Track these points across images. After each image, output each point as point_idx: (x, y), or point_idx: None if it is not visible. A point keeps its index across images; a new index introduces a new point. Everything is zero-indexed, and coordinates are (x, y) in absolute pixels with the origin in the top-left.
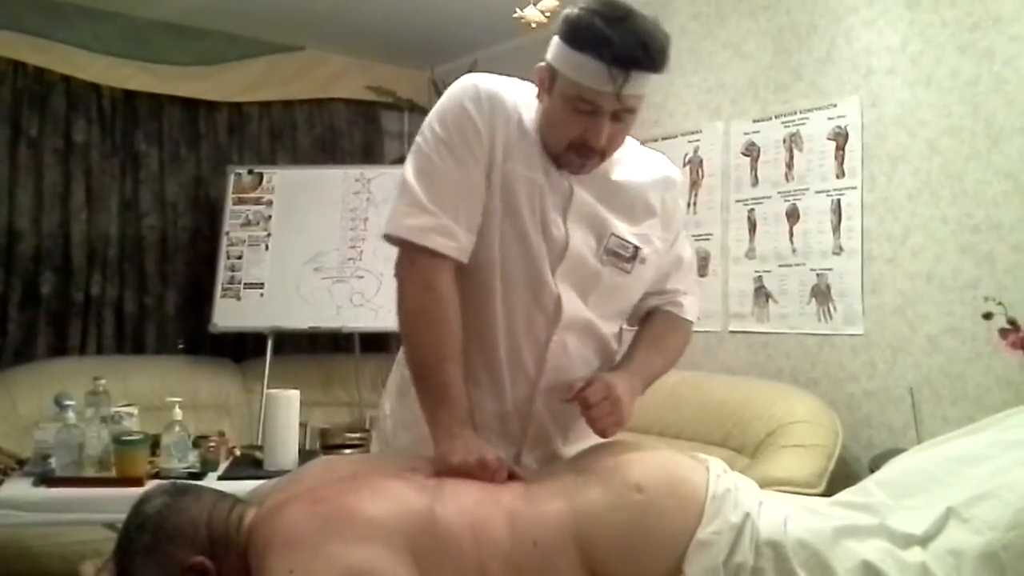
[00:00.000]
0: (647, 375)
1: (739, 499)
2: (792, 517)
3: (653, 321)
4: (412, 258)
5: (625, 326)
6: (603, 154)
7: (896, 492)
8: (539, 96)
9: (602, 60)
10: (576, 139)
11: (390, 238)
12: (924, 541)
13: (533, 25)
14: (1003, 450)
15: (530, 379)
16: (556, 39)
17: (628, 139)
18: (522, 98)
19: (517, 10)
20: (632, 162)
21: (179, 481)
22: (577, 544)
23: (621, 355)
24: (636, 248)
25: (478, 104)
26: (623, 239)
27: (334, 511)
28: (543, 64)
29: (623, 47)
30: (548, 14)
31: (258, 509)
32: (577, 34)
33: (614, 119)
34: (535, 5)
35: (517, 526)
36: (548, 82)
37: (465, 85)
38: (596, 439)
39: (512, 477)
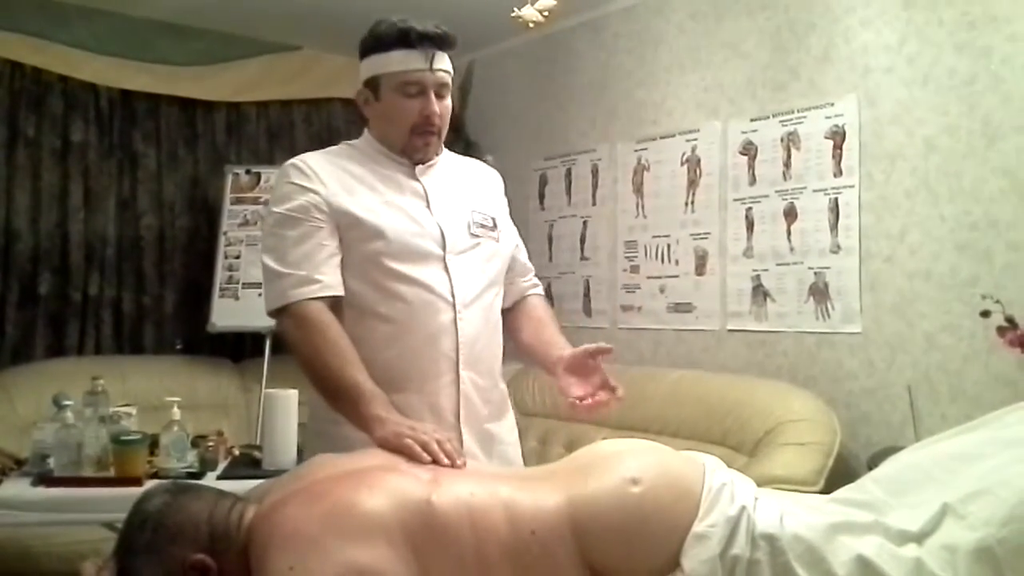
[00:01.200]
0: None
1: (735, 493)
2: (788, 512)
3: (536, 306)
4: (287, 315)
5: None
6: (439, 132)
7: (893, 489)
8: (368, 112)
9: (411, 46)
10: (417, 119)
11: (271, 315)
12: (920, 537)
13: (531, 24)
14: (1000, 448)
15: (451, 360)
16: (364, 61)
17: (448, 152)
18: (342, 152)
19: (515, 10)
20: (455, 163)
21: (179, 480)
22: (575, 535)
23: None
24: (493, 218)
25: (300, 174)
26: (482, 212)
27: (333, 507)
28: (360, 89)
29: (425, 32)
30: (546, 13)
31: (258, 507)
32: (382, 38)
33: (437, 96)
34: (532, 5)
35: (515, 516)
36: (372, 94)
37: (285, 168)
38: (510, 411)
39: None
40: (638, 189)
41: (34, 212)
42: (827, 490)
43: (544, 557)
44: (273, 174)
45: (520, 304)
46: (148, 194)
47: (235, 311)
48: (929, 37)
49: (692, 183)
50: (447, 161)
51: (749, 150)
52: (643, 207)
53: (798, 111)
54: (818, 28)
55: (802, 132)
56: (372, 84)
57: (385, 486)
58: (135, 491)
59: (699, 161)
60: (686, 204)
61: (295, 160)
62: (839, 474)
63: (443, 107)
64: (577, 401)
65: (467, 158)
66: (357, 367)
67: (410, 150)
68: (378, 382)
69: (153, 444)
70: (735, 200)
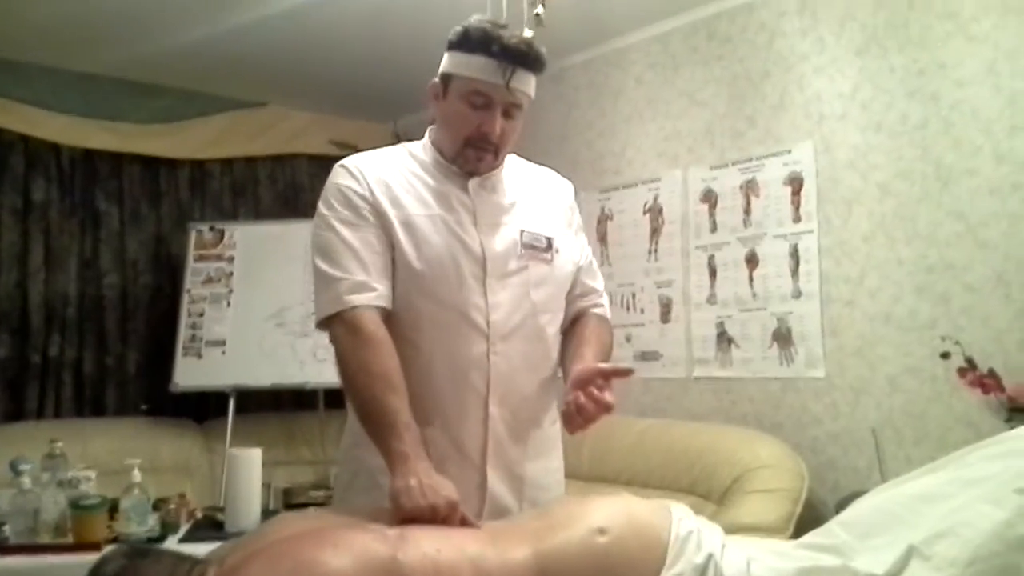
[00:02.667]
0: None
1: (702, 541)
2: (755, 559)
3: (586, 324)
4: (340, 321)
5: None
6: (496, 150)
7: (860, 532)
8: (434, 108)
9: (492, 56)
10: (472, 133)
11: (320, 325)
12: None
13: None
14: (961, 487)
15: (481, 396)
16: (451, 53)
17: (516, 158)
18: (396, 155)
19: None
20: (523, 172)
21: (137, 544)
22: None
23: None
24: (548, 239)
25: (352, 178)
26: (534, 232)
27: (295, 567)
28: (434, 80)
29: (509, 45)
30: None
31: (218, 568)
32: (468, 39)
33: (505, 115)
34: None
35: (482, 572)
36: (442, 90)
37: (336, 170)
38: (555, 453)
39: (464, 523)
40: (602, 238)
41: None
42: (796, 537)
43: None
44: (237, 231)
45: (573, 323)
46: (110, 252)
47: (199, 370)
48: (881, 84)
49: (655, 231)
50: (511, 172)
51: (710, 197)
52: (608, 256)
53: (756, 158)
54: (773, 76)
55: (760, 179)
56: (444, 80)
57: (349, 544)
58: (94, 557)
59: (661, 209)
60: (649, 252)
61: (346, 162)
62: (808, 520)
63: (508, 127)
64: (568, 414)
65: (539, 167)
66: (400, 395)
67: (461, 161)
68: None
69: (113, 508)
70: (697, 247)
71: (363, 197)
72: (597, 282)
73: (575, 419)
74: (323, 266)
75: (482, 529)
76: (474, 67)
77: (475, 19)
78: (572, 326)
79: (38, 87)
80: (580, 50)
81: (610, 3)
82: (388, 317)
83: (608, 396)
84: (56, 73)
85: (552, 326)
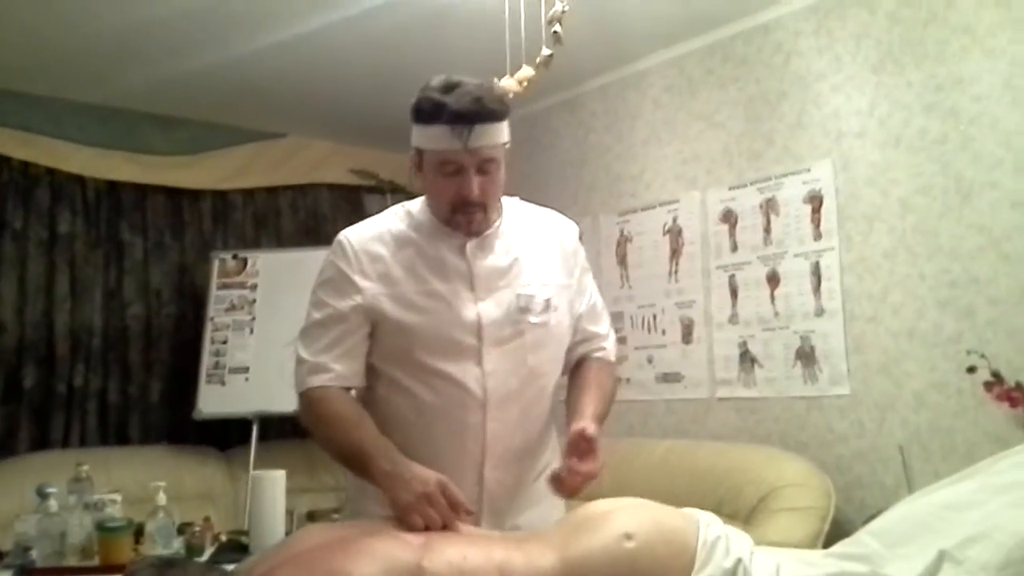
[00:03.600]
0: (598, 414)
1: (730, 546)
2: (784, 566)
3: (587, 368)
4: (303, 400)
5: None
6: (483, 207)
7: (889, 541)
8: (417, 178)
9: (445, 123)
10: (454, 199)
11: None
12: None
13: (510, 95)
14: (992, 495)
15: (476, 460)
16: (415, 126)
17: (518, 202)
18: (394, 223)
19: (494, 79)
20: (524, 221)
21: (165, 556)
22: None
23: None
24: (546, 300)
25: (344, 257)
26: (530, 295)
27: (322, 574)
28: (411, 153)
29: (458, 107)
30: (525, 83)
31: None
32: (421, 111)
33: (480, 172)
34: (512, 76)
35: None
36: (418, 162)
37: (334, 245)
38: (551, 498)
39: (454, 506)
40: (622, 260)
41: (20, 303)
42: None
43: None
44: (260, 259)
45: (575, 367)
46: (135, 283)
47: (222, 397)
48: (899, 100)
49: (675, 252)
50: (511, 223)
51: (729, 218)
52: (627, 278)
53: (775, 177)
54: (790, 96)
55: (780, 198)
56: (417, 153)
57: (375, 553)
58: None
59: (680, 231)
60: (670, 273)
61: (344, 239)
62: (836, 538)
63: (487, 182)
64: (559, 477)
65: (541, 210)
66: (363, 428)
67: (453, 225)
68: None
69: (138, 532)
70: (718, 267)
71: (346, 275)
72: (601, 326)
73: (563, 488)
74: (300, 346)
75: (507, 537)
76: (433, 138)
77: (433, 82)
78: (574, 370)
79: (63, 121)
80: (596, 75)
81: (626, 28)
82: (386, 390)
83: (591, 464)
84: (80, 107)
85: (550, 383)
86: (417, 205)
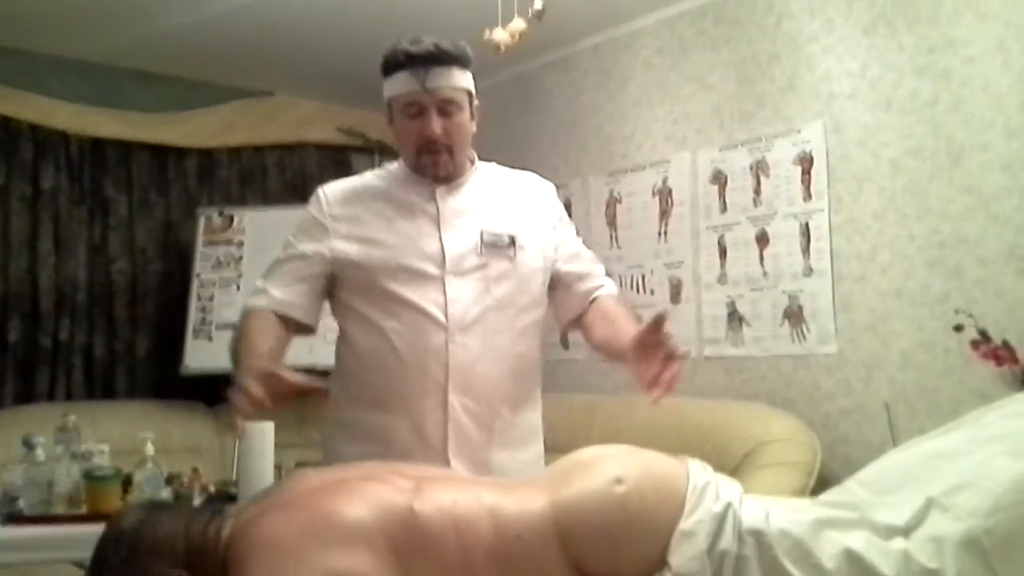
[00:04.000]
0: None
1: (720, 492)
2: (773, 512)
3: (605, 303)
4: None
5: (565, 325)
6: (448, 149)
7: (877, 489)
8: (391, 132)
9: (403, 68)
10: (418, 140)
11: None
12: (906, 531)
13: (502, 48)
14: (980, 444)
15: (440, 385)
16: (384, 81)
17: (495, 165)
18: (371, 178)
19: (486, 31)
20: (496, 178)
21: (154, 499)
22: (560, 537)
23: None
24: (511, 236)
25: (316, 203)
26: (495, 232)
27: (313, 516)
28: (385, 109)
29: (416, 51)
30: (516, 36)
31: (235, 521)
32: (387, 63)
33: (441, 114)
34: (504, 27)
35: (500, 521)
36: (389, 114)
37: (311, 198)
38: (530, 445)
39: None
40: (611, 221)
41: (3, 258)
42: None
43: (530, 560)
44: (246, 216)
45: (589, 307)
46: (120, 240)
47: (209, 352)
48: (890, 62)
49: (664, 213)
50: (483, 178)
51: (719, 178)
52: (617, 239)
53: (766, 139)
54: (782, 58)
55: (770, 159)
56: (388, 107)
57: (366, 495)
58: None
59: (670, 192)
60: (659, 234)
61: (320, 190)
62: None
63: (451, 124)
64: (647, 387)
65: (518, 172)
66: (253, 336)
67: (420, 169)
68: (368, 401)
69: (126, 482)
70: (707, 228)
71: (317, 220)
72: (593, 266)
73: (658, 386)
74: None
75: (497, 482)
76: (396, 84)
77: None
78: (589, 309)
79: (46, 76)
80: (588, 35)
81: None
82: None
83: (680, 350)
84: (64, 62)
85: (521, 320)
86: (396, 163)
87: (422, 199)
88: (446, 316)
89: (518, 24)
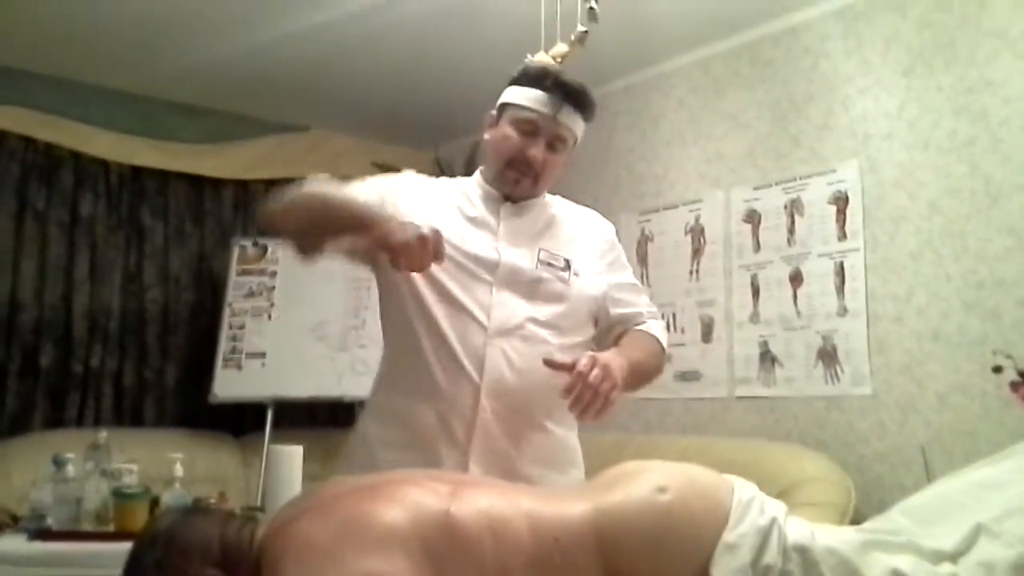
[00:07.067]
0: (630, 358)
1: (765, 507)
2: (817, 531)
3: (622, 336)
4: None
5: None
6: (536, 177)
7: (921, 519)
8: (487, 135)
9: (545, 89)
10: (516, 155)
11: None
12: (954, 556)
13: None
14: None
15: (473, 383)
16: (510, 87)
17: (560, 198)
18: (445, 183)
19: (528, 55)
20: (562, 209)
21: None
22: (599, 544)
23: None
24: (567, 260)
25: (390, 179)
26: (552, 253)
27: (348, 519)
28: (491, 112)
29: (563, 81)
30: (559, 59)
31: (270, 524)
32: (527, 73)
33: (549, 147)
34: (547, 52)
35: (537, 524)
36: (496, 119)
37: (394, 175)
38: (569, 467)
39: (438, 253)
40: (643, 259)
41: (39, 283)
42: None
43: (566, 567)
44: (280, 246)
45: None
46: (154, 268)
47: (238, 381)
48: (928, 103)
49: (696, 252)
50: (549, 206)
51: (753, 218)
52: (647, 277)
53: (800, 178)
54: (817, 98)
55: (805, 198)
56: (499, 110)
57: (402, 498)
58: None
59: (703, 230)
60: (691, 272)
61: (405, 171)
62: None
63: (550, 159)
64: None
65: (582, 208)
66: (363, 207)
67: (500, 182)
68: (400, 386)
69: (154, 504)
70: (740, 267)
71: (390, 185)
72: (640, 305)
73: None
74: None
75: (535, 489)
76: (527, 97)
77: (537, 56)
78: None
79: (89, 105)
80: (621, 76)
81: (652, 29)
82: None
83: (618, 377)
84: (107, 92)
85: (563, 340)
86: (468, 179)
87: (488, 213)
88: (488, 318)
89: (560, 48)
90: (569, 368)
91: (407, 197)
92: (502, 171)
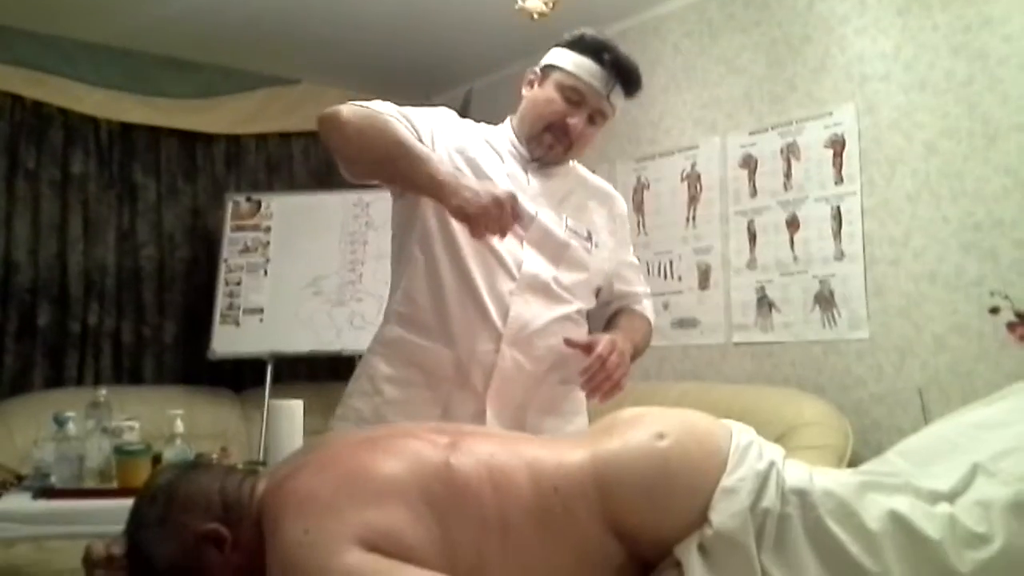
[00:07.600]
0: (633, 342)
1: (763, 451)
2: (815, 474)
3: (620, 315)
4: (353, 109)
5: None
6: (570, 146)
7: (918, 460)
8: (524, 92)
9: (602, 64)
10: (557, 120)
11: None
12: (951, 496)
13: (535, 16)
14: (1023, 414)
15: (496, 330)
16: (560, 48)
17: (580, 166)
18: (480, 126)
19: (518, 2)
20: (582, 178)
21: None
22: (599, 490)
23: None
24: (589, 232)
25: (438, 111)
26: (577, 222)
27: (349, 471)
28: (534, 69)
29: (621, 61)
30: (550, 3)
31: (270, 477)
32: (583, 41)
33: (589, 120)
34: None
35: (537, 474)
36: (540, 78)
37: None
38: (575, 417)
39: (515, 215)
40: (639, 207)
41: (33, 243)
42: None
43: (567, 515)
44: (273, 201)
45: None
46: (148, 225)
47: (236, 338)
48: (925, 42)
49: (693, 199)
50: (571, 172)
51: (749, 163)
52: (644, 225)
53: (796, 122)
54: (813, 40)
55: (801, 142)
56: (546, 70)
57: (401, 451)
58: None
59: (699, 176)
60: (687, 220)
61: (444, 108)
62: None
63: (587, 131)
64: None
65: (597, 178)
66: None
67: (534, 143)
68: (419, 324)
69: (155, 460)
70: (736, 213)
71: (429, 119)
72: (636, 285)
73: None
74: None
75: (534, 437)
76: (580, 66)
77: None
78: (610, 320)
79: (77, 62)
80: (616, 20)
81: None
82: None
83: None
84: (95, 48)
85: (571, 305)
86: (498, 127)
87: (517, 168)
88: (518, 271)
89: None
90: (586, 349)
91: (448, 138)
92: (539, 134)
